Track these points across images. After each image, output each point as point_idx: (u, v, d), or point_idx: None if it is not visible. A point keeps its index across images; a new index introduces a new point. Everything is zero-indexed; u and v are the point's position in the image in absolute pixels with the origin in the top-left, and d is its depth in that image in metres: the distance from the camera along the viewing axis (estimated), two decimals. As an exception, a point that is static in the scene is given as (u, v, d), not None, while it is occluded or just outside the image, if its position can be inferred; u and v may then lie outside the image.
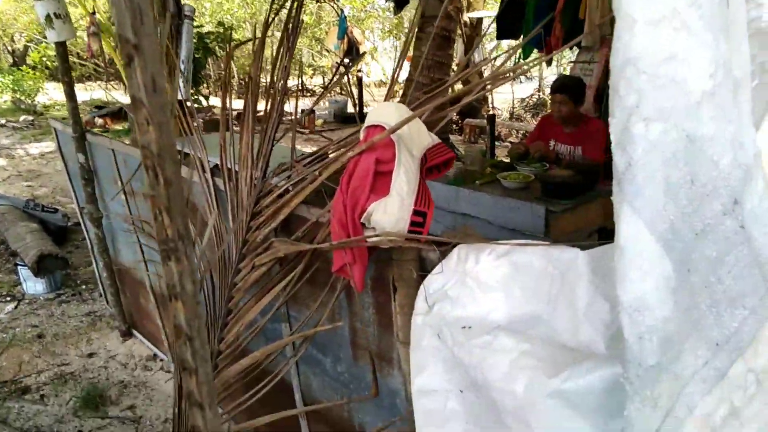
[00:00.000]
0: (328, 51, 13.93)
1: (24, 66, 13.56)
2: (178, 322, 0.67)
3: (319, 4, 12.82)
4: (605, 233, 3.12)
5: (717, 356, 0.76)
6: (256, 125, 2.10)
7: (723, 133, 0.75)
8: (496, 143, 8.94)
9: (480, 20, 9.73)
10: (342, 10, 9.77)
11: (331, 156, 1.81)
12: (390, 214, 1.29)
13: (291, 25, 2.04)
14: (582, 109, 3.66)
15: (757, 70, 0.87)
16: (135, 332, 3.52)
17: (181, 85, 5.75)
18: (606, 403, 0.86)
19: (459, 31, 9.80)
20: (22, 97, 12.34)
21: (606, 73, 4.98)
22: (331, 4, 10.16)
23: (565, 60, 11.52)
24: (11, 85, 12.74)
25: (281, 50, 2.06)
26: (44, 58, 14.53)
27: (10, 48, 21.36)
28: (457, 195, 3.37)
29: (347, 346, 1.89)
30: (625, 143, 0.77)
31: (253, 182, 1.99)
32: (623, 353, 0.76)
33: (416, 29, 2.29)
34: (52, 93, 13.64)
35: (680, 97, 0.76)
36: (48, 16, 2.77)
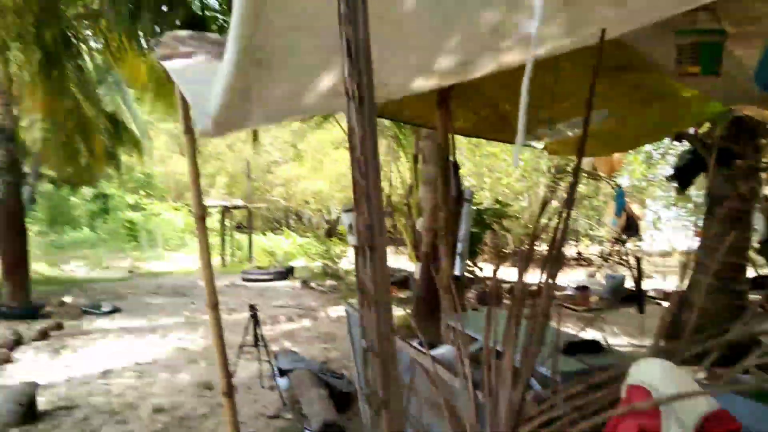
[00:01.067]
0: (604, 225, 13.65)
1: (334, 237, 16.13)
2: None
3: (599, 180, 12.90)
4: None
5: None
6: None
7: None
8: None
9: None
10: (619, 186, 9.64)
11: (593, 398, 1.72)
12: (655, 497, 1.17)
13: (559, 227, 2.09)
14: None
15: None
16: None
17: (458, 262, 6.16)
18: None
19: (758, 205, 8.78)
20: (330, 263, 14.53)
21: None
22: (608, 180, 10.12)
23: None
24: (323, 253, 15.20)
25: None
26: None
27: (326, 218, 25.81)
28: (765, 415, 2.84)
29: None
30: None
31: (512, 406, 1.99)
32: None
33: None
34: (352, 258, 15.86)
35: None
36: (350, 225, 3.33)
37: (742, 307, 6.30)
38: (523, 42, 1.77)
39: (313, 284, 12.43)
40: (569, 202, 2.21)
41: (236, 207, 16.86)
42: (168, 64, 2.88)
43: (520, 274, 2.21)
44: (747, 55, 3.11)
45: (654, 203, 18.97)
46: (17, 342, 7.03)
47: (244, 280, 12.86)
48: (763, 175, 7.52)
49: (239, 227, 21.39)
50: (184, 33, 3.34)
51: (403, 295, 10.64)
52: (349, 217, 3.35)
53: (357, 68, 0.61)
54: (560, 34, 1.77)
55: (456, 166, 5.54)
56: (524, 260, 2.22)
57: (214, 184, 24.19)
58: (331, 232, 19.93)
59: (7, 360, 6.41)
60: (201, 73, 2.65)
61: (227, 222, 17.22)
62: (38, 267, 13.75)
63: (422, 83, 1.90)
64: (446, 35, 1.58)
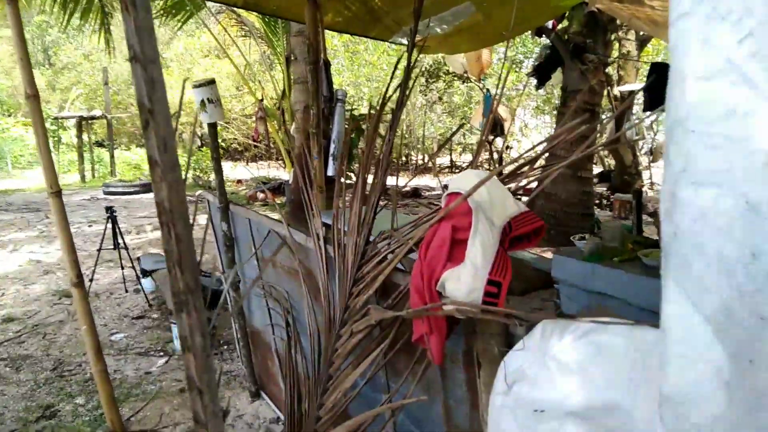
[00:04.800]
0: (473, 129, 14.19)
1: (204, 147, 15.45)
2: (189, 374, 0.69)
3: (469, 84, 13.22)
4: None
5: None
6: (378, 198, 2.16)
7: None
8: (651, 221, 8.33)
9: (632, 93, 9.39)
10: (487, 90, 9.96)
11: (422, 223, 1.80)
12: (463, 283, 1.25)
13: (398, 104, 2.13)
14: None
15: None
16: (263, 394, 3.67)
17: (331, 162, 6.13)
18: None
19: (609, 105, 9.48)
20: (200, 174, 13.98)
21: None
22: (477, 84, 10.39)
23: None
24: (193, 165, 14.54)
25: (389, 128, 2.16)
26: (222, 142, 16.47)
27: (199, 132, 24.55)
28: (592, 272, 3.17)
29: (441, 424, 1.81)
30: (672, 211, 0.69)
31: (357, 249, 2.04)
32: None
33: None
34: (226, 171, 15.34)
35: (739, 159, 0.66)
36: (202, 101, 3.15)
37: (589, 193, 6.90)
38: None
39: (184, 195, 11.94)
40: (400, 104, 2.23)
41: (94, 117, 15.45)
42: None
43: (363, 175, 2.24)
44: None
45: (523, 112, 20.00)
46: None
47: (106, 193, 12.05)
48: (611, 70, 8.05)
49: (99, 144, 19.73)
50: None
51: (279, 201, 10.55)
52: (201, 92, 3.16)
53: None
54: None
55: (327, 64, 5.38)
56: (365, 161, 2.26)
57: (70, 98, 21.97)
58: (203, 143, 19.08)
59: None
60: None
61: (85, 136, 15.82)
62: None
63: None
64: None
